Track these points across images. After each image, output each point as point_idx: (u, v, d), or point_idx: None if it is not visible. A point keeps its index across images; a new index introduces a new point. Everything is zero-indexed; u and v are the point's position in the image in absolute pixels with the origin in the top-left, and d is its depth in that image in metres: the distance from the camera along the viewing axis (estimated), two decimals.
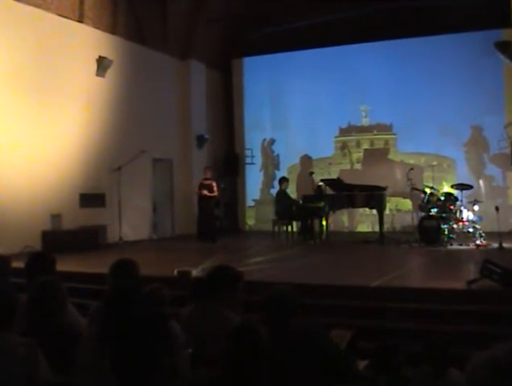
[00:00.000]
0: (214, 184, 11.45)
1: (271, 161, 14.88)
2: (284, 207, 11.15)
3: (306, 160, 14.21)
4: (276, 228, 11.46)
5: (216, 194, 11.43)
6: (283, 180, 11.63)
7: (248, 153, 14.82)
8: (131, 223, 11.66)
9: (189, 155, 13.75)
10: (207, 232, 11.17)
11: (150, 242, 12.03)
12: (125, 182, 11.32)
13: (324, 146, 13.96)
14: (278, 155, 14.77)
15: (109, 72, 11.49)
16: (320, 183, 11.29)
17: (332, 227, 12.35)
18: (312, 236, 10.82)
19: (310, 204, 10.88)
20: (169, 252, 10.30)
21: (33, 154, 9.85)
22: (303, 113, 14.06)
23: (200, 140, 13.95)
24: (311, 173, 11.81)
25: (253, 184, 14.89)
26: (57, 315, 2.93)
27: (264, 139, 14.91)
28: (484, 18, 11.39)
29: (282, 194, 11.39)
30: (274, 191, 14.12)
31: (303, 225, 11.16)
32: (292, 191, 12.30)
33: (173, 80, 13.65)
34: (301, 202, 11.30)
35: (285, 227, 11.33)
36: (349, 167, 13.89)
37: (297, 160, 14.39)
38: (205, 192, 11.22)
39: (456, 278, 6.00)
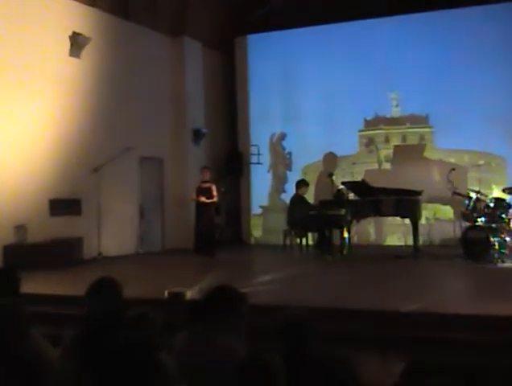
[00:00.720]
0: (214, 187, 11.49)
1: (282, 160, 14.89)
2: (298, 214, 11.15)
3: (330, 159, 14.16)
4: (288, 241, 11.46)
5: (215, 199, 11.45)
6: (302, 184, 11.62)
7: (254, 150, 14.84)
8: (113, 234, 11.69)
9: (183, 153, 13.79)
10: (205, 244, 11.18)
11: (135, 257, 12.06)
12: (105, 186, 11.36)
13: (345, 142, 13.94)
14: (290, 153, 14.78)
15: (86, 52, 11.52)
16: (341, 187, 11.29)
17: (355, 240, 12.28)
18: (331, 250, 10.82)
19: (328, 212, 10.88)
20: (159, 269, 10.32)
21: None
22: (320, 102, 14.04)
23: (197, 135, 13.97)
24: (331, 174, 11.79)
25: (261, 188, 14.91)
26: (17, 345, 2.94)
27: (273, 134, 14.93)
28: None
29: (298, 200, 11.38)
30: (285, 196, 14.09)
31: (321, 237, 11.17)
32: (309, 196, 12.24)
33: (163, 62, 13.69)
34: (318, 209, 11.32)
35: (298, 240, 11.33)
36: (377, 167, 13.89)
37: (313, 159, 14.40)
38: (203, 199, 11.23)
39: (510, 303, 5.95)
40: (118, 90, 12.26)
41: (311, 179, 13.88)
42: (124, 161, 11.86)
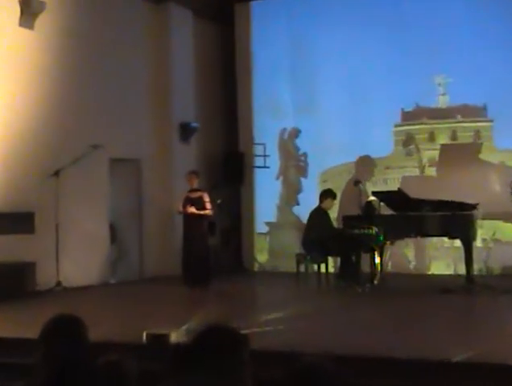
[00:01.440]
0: (206, 197, 11.55)
1: (295, 163, 14.91)
2: (316, 234, 11.18)
3: (366, 163, 14.04)
4: (302, 268, 11.47)
5: (209, 211, 11.47)
6: (329, 195, 11.62)
7: (259, 150, 14.85)
8: (76, 258, 11.67)
9: (167, 153, 13.86)
10: (195, 271, 11.19)
11: (105, 289, 12.06)
12: (66, 196, 11.35)
13: (377, 140, 13.90)
14: (305, 154, 14.79)
15: (41, 21, 11.53)
16: (371, 198, 11.29)
17: (389, 267, 12.31)
18: (359, 280, 10.80)
19: (355, 230, 10.88)
20: (136, 304, 10.28)
21: None
22: (344, 89, 14.05)
23: (185, 130, 14.03)
24: (358, 182, 11.79)
25: (267, 199, 14.89)
26: None
27: (284, 129, 14.94)
28: None
29: (319, 216, 11.39)
30: (298, 210, 14.21)
31: (345, 263, 11.18)
32: (333, 210, 12.22)
33: (142, 36, 13.74)
34: (341, 226, 11.36)
35: (316, 267, 11.35)
36: (418, 173, 13.85)
37: (335, 162, 14.38)
38: (192, 209, 11.24)
39: None
40: (83, 72, 12.26)
41: (333, 188, 13.73)
42: (90, 163, 11.86)
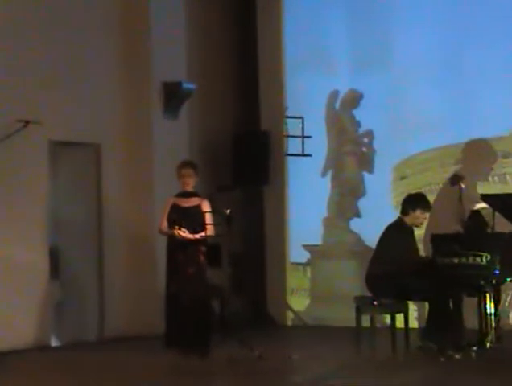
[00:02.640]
0: (207, 207, 11.58)
1: (353, 148, 15.02)
2: (390, 265, 11.07)
3: (478, 149, 14.04)
4: (366, 320, 11.45)
5: (210, 230, 11.54)
6: (417, 203, 11.52)
7: (293, 127, 14.95)
8: None
9: (143, 134, 13.94)
10: (189, 328, 11.21)
11: (43, 355, 12.19)
12: None
13: (490, 113, 13.87)
14: (370, 134, 14.90)
15: None
16: (480, 206, 11.52)
17: (511, 320, 12.36)
18: (458, 339, 10.79)
19: (453, 259, 10.90)
20: (93, 380, 10.22)
21: None
22: (435, 30, 14.22)
23: (173, 95, 14.13)
24: (457, 179, 11.67)
25: (307, 207, 14.98)
26: None
27: (334, 92, 15.02)
28: None
29: (400, 235, 11.42)
30: (360, 225, 14.30)
31: (436, 313, 11.13)
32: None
33: None
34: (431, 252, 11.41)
35: (389, 318, 11.38)
36: None
37: (421, 146, 14.40)
38: (182, 233, 11.27)
39: None
40: (12, 14, 12.36)
41: (418, 189, 13.77)
42: (18, 149, 12.00)
